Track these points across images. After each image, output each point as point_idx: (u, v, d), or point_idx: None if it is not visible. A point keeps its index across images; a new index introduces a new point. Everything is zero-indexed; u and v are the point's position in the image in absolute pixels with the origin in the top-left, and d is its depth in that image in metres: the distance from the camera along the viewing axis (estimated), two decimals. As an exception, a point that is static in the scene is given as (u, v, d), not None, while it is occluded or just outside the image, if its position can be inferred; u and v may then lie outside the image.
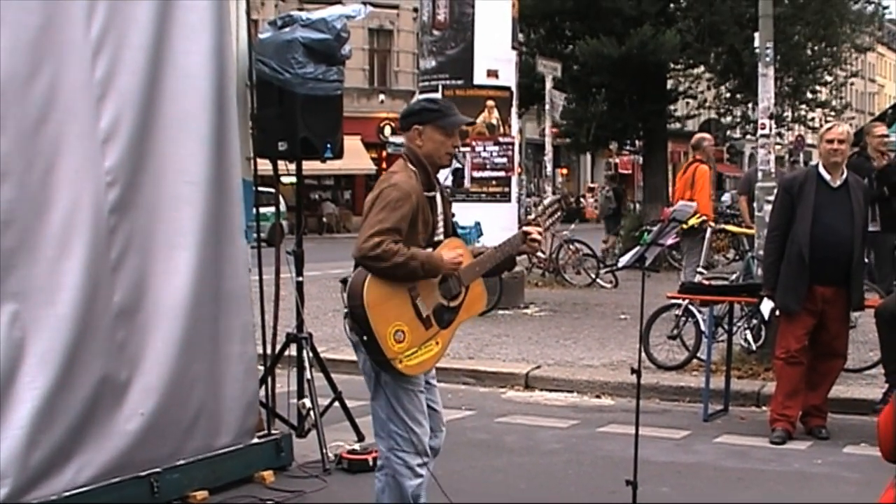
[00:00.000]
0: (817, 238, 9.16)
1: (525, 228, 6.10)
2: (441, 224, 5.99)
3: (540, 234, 6.07)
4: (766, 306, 9.72)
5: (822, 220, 9.20)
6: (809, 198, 9.25)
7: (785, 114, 31.86)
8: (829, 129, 9.52)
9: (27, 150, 6.13)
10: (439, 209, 5.97)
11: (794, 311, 9.29)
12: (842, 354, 9.63)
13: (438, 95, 16.32)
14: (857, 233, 9.27)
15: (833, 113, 33.60)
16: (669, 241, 8.07)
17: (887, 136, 14.25)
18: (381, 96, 56.67)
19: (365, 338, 5.56)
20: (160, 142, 6.95)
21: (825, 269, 9.18)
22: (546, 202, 6.40)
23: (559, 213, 6.41)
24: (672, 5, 27.98)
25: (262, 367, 8.58)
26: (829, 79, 32.29)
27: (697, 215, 13.70)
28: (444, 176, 6.18)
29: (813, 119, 34.03)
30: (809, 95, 31.93)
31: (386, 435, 5.85)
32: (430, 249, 5.77)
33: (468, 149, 17.05)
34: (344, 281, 5.75)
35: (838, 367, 9.68)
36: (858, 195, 9.41)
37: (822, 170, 9.39)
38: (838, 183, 9.35)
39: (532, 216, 6.33)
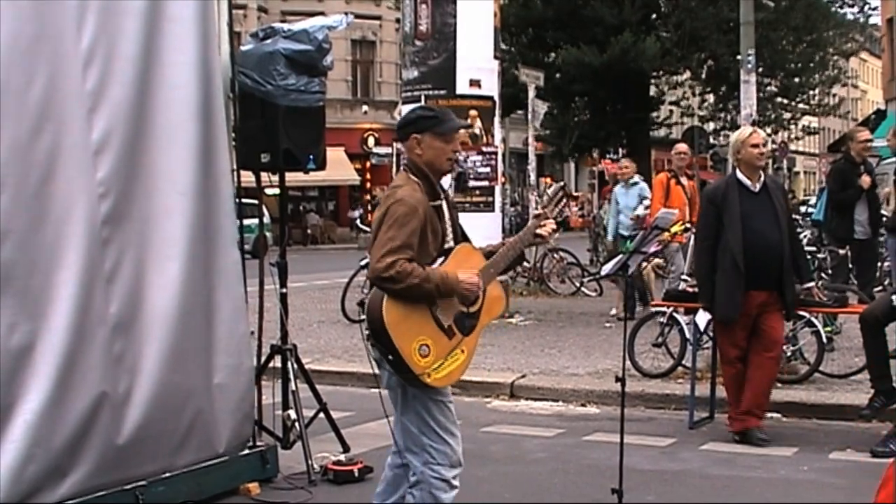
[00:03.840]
0: (749, 244, 9.23)
1: (534, 224, 6.04)
2: (450, 231, 5.94)
3: (553, 227, 6.04)
4: (703, 318, 9.88)
5: (752, 227, 9.28)
6: (734, 206, 9.32)
7: (771, 116, 31.95)
8: (752, 134, 9.59)
9: (23, 160, 6.13)
10: (447, 216, 5.93)
11: (733, 320, 9.38)
12: (775, 353, 9.66)
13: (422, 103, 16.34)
14: (784, 233, 9.33)
15: (821, 115, 33.79)
16: (652, 249, 8.07)
17: (871, 140, 14.35)
18: (365, 107, 56.70)
19: (390, 357, 5.52)
20: (151, 153, 6.95)
21: (759, 274, 9.25)
22: (550, 191, 6.34)
23: (564, 201, 6.30)
24: (654, 14, 28.04)
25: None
26: (814, 81, 32.35)
27: (680, 223, 13.70)
28: (448, 183, 6.18)
29: (804, 125, 34.17)
30: (795, 101, 32.00)
31: (420, 449, 5.81)
32: (441, 261, 5.74)
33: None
34: (362, 304, 5.71)
35: (770, 362, 9.62)
36: (778, 196, 9.51)
37: (740, 176, 9.47)
38: (758, 186, 9.43)
39: (538, 209, 6.25)
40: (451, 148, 5.88)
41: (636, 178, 17.43)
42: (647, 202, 16.67)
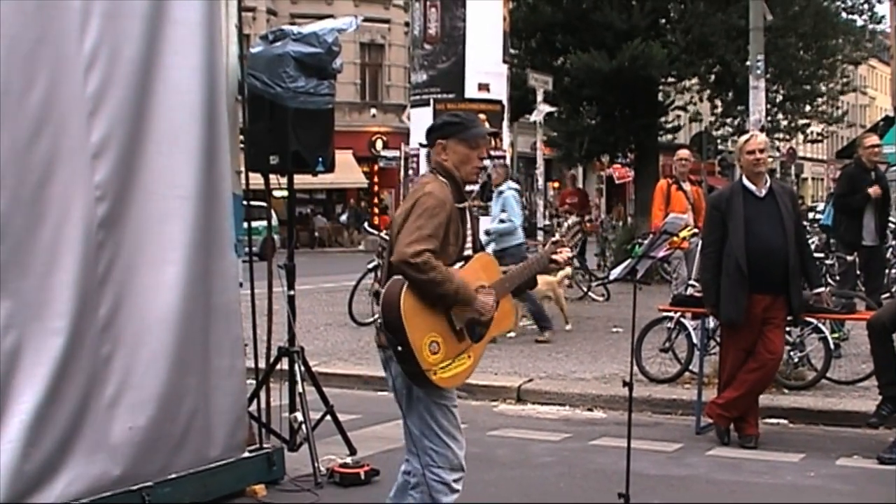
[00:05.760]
0: (752, 248, 9.26)
1: (550, 249, 6.11)
2: (469, 238, 5.95)
3: (568, 255, 6.12)
4: (713, 323, 10.21)
5: (755, 231, 9.30)
6: (739, 211, 9.35)
7: (782, 123, 31.92)
8: (748, 140, 9.61)
9: (20, 164, 6.12)
10: (468, 223, 5.95)
11: (737, 323, 9.39)
12: (776, 355, 9.65)
13: (429, 109, 16.37)
14: (790, 238, 9.33)
15: (829, 124, 33.74)
16: (661, 254, 8.06)
17: (878, 145, 14.42)
18: (373, 110, 56.68)
19: (399, 348, 5.49)
20: (150, 156, 6.93)
21: (763, 277, 9.27)
22: (568, 223, 6.41)
23: (580, 235, 6.41)
24: (663, 19, 28.02)
25: (254, 382, 8.59)
26: (822, 89, 32.29)
27: (688, 228, 13.68)
28: (473, 193, 6.18)
29: (812, 132, 34.11)
30: (806, 108, 31.97)
31: (420, 451, 5.81)
32: (460, 266, 5.74)
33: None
34: (377, 294, 5.69)
35: (770, 365, 9.62)
36: (785, 200, 9.50)
37: (746, 182, 9.51)
38: (764, 192, 9.44)
39: (556, 237, 6.30)
40: (477, 154, 5.90)
41: (505, 186, 16.13)
42: (503, 215, 15.83)
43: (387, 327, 5.53)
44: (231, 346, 7.68)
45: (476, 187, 13.14)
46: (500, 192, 15.95)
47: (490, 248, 15.25)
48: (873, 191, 13.39)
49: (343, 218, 55.70)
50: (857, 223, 13.64)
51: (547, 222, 25.60)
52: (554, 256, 6.08)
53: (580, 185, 33.54)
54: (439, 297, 5.54)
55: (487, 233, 15.45)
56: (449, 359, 5.61)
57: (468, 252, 5.91)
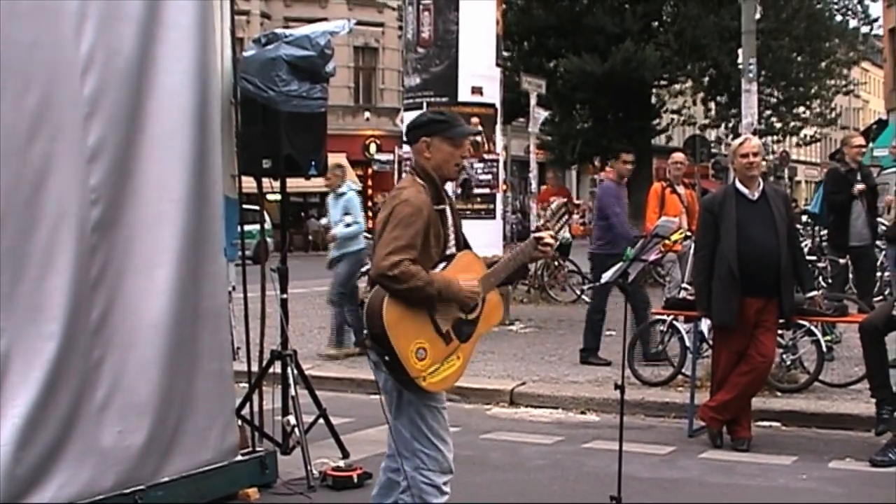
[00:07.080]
0: (744, 252, 9.28)
1: (536, 234, 5.98)
2: (452, 236, 5.92)
3: (552, 237, 5.96)
4: (706, 324, 10.27)
5: (747, 234, 9.32)
6: (731, 214, 9.37)
7: (775, 126, 31.94)
8: (742, 143, 9.63)
9: (16, 167, 6.12)
10: (450, 221, 5.91)
11: (730, 326, 9.42)
12: (768, 358, 9.67)
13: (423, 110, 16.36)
14: (782, 242, 9.35)
15: (822, 126, 33.74)
16: (652, 257, 8.05)
17: (864, 145, 14.51)
18: (367, 114, 56.67)
19: (387, 358, 5.52)
20: (143, 160, 6.92)
21: (755, 281, 9.29)
22: (553, 206, 6.33)
23: (566, 218, 6.31)
24: (655, 22, 28.03)
25: (247, 385, 8.59)
26: (815, 89, 32.27)
27: (680, 231, 13.68)
28: (452, 189, 6.07)
29: (805, 136, 34.11)
30: (799, 109, 31.97)
31: (411, 454, 5.81)
32: (443, 266, 5.72)
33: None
34: (362, 304, 5.70)
35: (761, 368, 9.62)
36: (778, 204, 9.51)
37: (739, 185, 9.53)
38: (756, 195, 9.46)
39: (541, 221, 6.24)
40: (460, 153, 5.88)
41: (345, 187, 14.96)
42: (349, 218, 14.60)
43: (372, 338, 5.56)
44: (220, 350, 7.66)
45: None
46: (341, 195, 14.88)
47: (330, 254, 15.05)
48: (858, 188, 13.45)
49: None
50: (845, 225, 13.66)
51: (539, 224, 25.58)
52: (538, 235, 5.96)
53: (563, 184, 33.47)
54: (423, 300, 5.55)
55: (333, 238, 14.79)
56: (437, 363, 5.61)
57: (451, 251, 5.89)
